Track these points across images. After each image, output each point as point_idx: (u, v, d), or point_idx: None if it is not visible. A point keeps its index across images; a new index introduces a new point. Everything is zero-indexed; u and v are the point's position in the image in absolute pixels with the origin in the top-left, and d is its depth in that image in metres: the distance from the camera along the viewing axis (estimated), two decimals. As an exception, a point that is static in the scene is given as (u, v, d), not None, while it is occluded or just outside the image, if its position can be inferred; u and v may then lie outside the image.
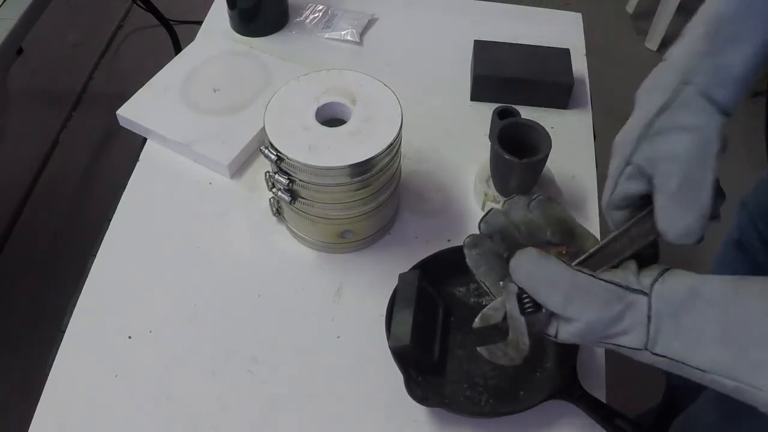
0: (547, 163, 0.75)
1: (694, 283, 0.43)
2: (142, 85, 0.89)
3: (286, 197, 0.70)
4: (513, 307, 0.49)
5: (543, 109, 0.91)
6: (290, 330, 0.70)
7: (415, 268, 0.69)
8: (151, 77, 0.90)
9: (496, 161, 0.75)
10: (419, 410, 0.64)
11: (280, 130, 0.67)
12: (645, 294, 0.44)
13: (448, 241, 0.77)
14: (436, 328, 0.67)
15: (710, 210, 0.45)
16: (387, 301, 0.67)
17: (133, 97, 0.88)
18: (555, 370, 0.65)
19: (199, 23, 1.02)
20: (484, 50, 0.93)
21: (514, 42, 0.94)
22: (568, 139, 0.87)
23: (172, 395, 0.66)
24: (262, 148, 0.68)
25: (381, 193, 0.71)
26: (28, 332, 1.39)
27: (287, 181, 0.68)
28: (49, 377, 0.66)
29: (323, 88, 0.71)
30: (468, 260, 0.52)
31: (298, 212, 0.72)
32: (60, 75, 2.05)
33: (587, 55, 0.99)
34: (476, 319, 0.52)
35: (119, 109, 0.87)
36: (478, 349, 0.52)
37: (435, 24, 1.04)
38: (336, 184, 0.67)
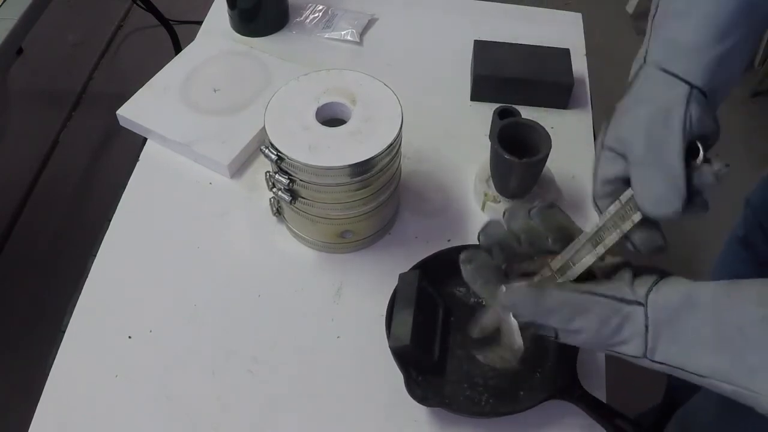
0: (547, 163, 0.75)
1: (689, 290, 0.43)
2: (142, 85, 0.89)
3: (287, 197, 0.70)
4: (505, 311, 0.49)
5: (543, 109, 0.91)
6: (290, 330, 0.70)
7: (415, 268, 0.69)
8: (151, 77, 0.90)
9: (496, 161, 0.75)
10: (419, 410, 0.64)
11: (281, 130, 0.67)
12: (641, 304, 0.44)
13: (448, 241, 0.77)
14: (436, 328, 0.67)
15: (683, 176, 0.44)
16: (387, 301, 0.67)
17: (133, 97, 0.88)
18: (555, 370, 0.65)
19: (199, 23, 1.02)
20: (484, 50, 0.93)
21: (514, 42, 0.94)
22: (568, 139, 0.87)
23: (172, 395, 0.66)
24: (263, 148, 0.68)
25: (381, 193, 0.71)
26: (28, 332, 1.39)
27: (287, 181, 0.68)
28: (49, 377, 0.66)
29: (323, 88, 0.71)
30: (464, 275, 0.52)
31: (298, 212, 0.72)
32: (60, 75, 2.04)
33: (587, 55, 0.99)
34: (475, 330, 0.52)
35: (119, 109, 0.87)
36: (474, 354, 0.52)
37: (435, 24, 1.04)
38: (336, 184, 0.67)
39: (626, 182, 0.48)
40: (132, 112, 0.87)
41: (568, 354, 0.65)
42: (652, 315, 0.43)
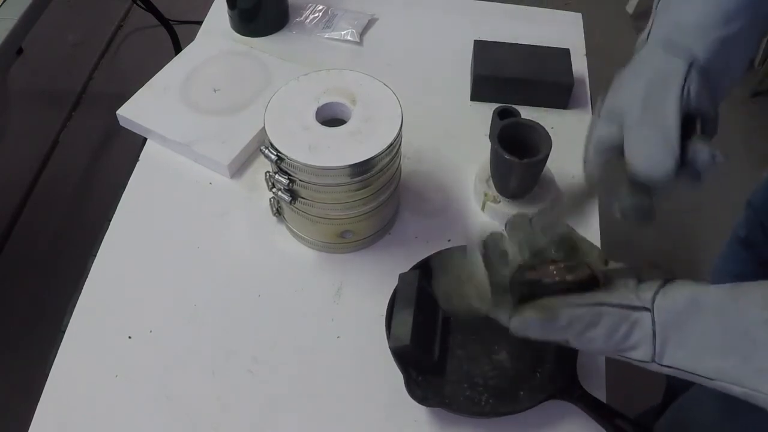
0: (547, 163, 0.75)
1: (693, 293, 0.43)
2: (142, 85, 0.89)
3: (286, 197, 0.70)
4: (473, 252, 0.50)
5: (543, 109, 0.91)
6: (290, 330, 0.70)
7: (415, 268, 0.69)
8: (151, 77, 0.90)
9: (496, 161, 0.75)
10: (419, 410, 0.64)
11: (280, 130, 0.67)
12: (648, 310, 0.44)
13: (448, 241, 0.77)
14: (436, 328, 0.67)
15: (677, 137, 0.44)
16: (387, 301, 0.67)
17: (133, 97, 0.88)
18: (555, 370, 0.65)
19: (199, 23, 1.02)
20: (484, 50, 0.93)
21: (514, 42, 0.94)
22: (568, 139, 0.86)
23: (172, 395, 0.66)
24: (262, 148, 0.68)
25: (381, 193, 0.71)
26: (28, 332, 1.39)
27: (287, 181, 0.68)
28: (49, 377, 0.66)
29: (323, 88, 0.71)
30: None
31: (298, 212, 0.72)
32: (60, 75, 2.05)
33: (587, 55, 0.99)
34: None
35: (119, 109, 0.87)
36: (443, 307, 0.53)
37: (435, 24, 1.04)
38: (336, 184, 0.67)
39: (620, 151, 0.48)
40: (132, 112, 0.87)
41: (568, 354, 0.65)
42: (659, 320, 0.44)
